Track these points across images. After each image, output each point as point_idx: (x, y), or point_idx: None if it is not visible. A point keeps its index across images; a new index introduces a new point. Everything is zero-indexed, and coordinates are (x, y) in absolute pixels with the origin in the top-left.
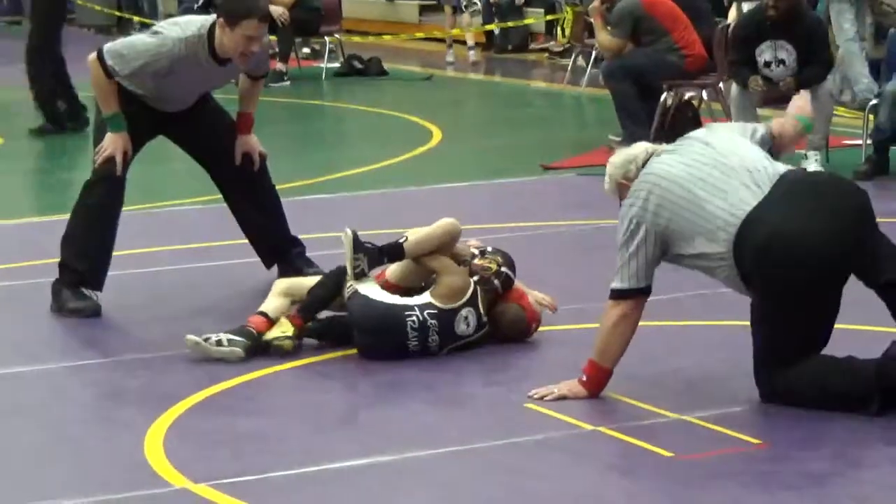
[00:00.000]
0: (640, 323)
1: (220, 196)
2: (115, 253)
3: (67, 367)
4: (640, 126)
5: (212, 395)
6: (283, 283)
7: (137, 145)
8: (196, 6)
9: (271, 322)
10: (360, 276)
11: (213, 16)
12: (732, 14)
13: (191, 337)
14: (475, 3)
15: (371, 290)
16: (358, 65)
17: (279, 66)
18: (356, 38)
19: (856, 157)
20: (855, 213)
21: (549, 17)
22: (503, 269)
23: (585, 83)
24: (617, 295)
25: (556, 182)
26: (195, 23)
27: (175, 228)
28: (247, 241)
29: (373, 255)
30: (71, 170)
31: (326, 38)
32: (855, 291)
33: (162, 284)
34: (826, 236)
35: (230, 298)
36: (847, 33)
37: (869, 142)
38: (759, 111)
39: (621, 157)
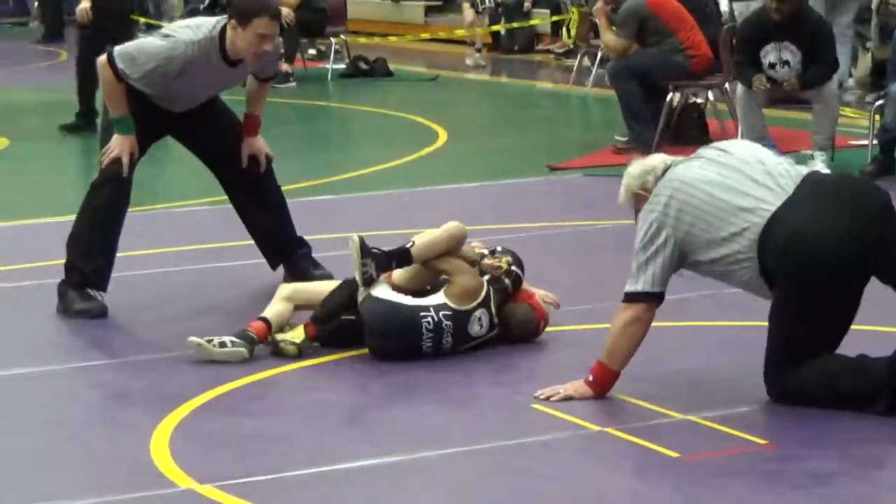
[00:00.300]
0: None
1: (225, 197)
2: (121, 254)
3: (73, 368)
4: (645, 126)
5: (217, 395)
6: (287, 288)
7: (144, 146)
8: (202, 6)
9: (271, 328)
10: (368, 281)
11: (224, 17)
12: (724, 4)
13: (193, 339)
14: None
15: (385, 292)
16: (363, 66)
17: (285, 66)
18: (362, 39)
19: (861, 158)
20: (876, 213)
21: (554, 18)
22: (513, 268)
23: (591, 84)
24: (630, 298)
25: (562, 183)
26: (206, 25)
27: (181, 229)
28: (252, 242)
29: (380, 260)
30: (76, 171)
31: (332, 39)
32: (867, 291)
33: (168, 285)
34: (847, 235)
35: (236, 299)
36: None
37: (875, 142)
38: (765, 111)
39: (639, 167)
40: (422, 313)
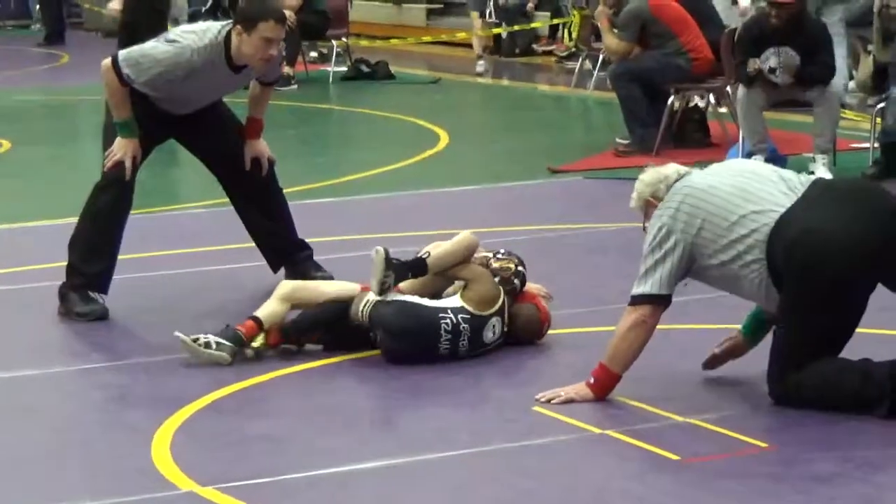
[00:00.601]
0: None
1: (226, 199)
2: (123, 256)
3: (75, 371)
4: (647, 129)
5: (219, 398)
6: (286, 287)
7: (147, 149)
8: (203, 9)
9: (262, 328)
10: (385, 291)
11: (229, 23)
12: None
13: (181, 335)
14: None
15: (399, 295)
16: (365, 68)
17: (286, 69)
18: (363, 42)
19: (863, 160)
20: (886, 218)
21: (555, 21)
22: (520, 268)
23: (592, 86)
24: (636, 300)
25: (563, 185)
26: (212, 30)
27: (183, 232)
28: (254, 244)
29: (399, 271)
30: (78, 174)
31: (334, 42)
32: (873, 295)
33: (170, 288)
34: (855, 237)
35: (238, 302)
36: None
37: (876, 145)
38: (766, 114)
39: (652, 175)
40: (440, 315)
